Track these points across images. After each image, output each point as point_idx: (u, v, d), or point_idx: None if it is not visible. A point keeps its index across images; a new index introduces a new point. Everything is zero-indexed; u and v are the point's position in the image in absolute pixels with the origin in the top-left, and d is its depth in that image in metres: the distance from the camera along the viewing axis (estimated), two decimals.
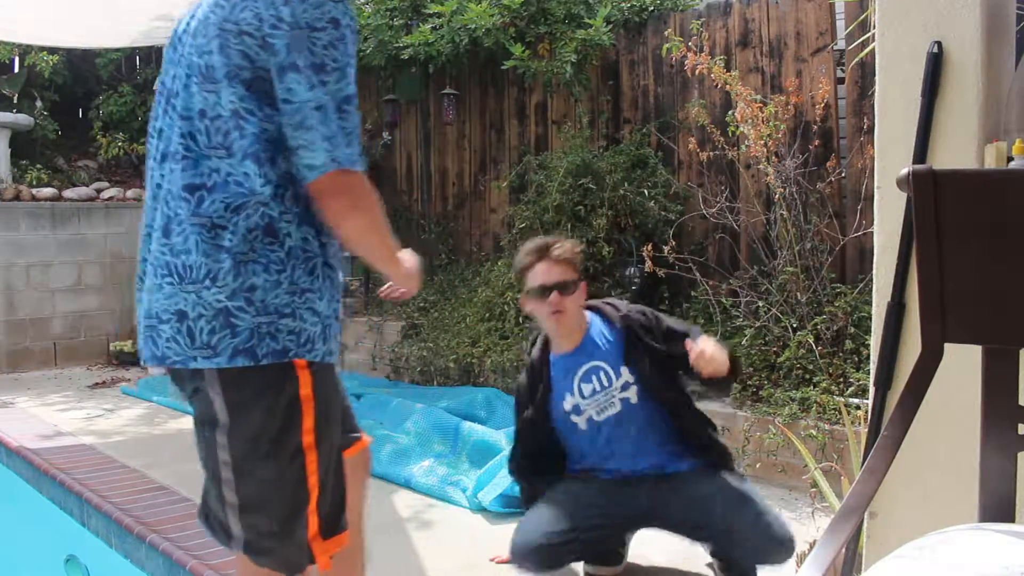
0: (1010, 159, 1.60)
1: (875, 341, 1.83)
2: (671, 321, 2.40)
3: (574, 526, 2.25)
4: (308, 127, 1.35)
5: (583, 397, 2.35)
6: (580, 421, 2.37)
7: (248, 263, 1.37)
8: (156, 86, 1.58)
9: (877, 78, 1.83)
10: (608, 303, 2.46)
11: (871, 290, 1.89)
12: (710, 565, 2.45)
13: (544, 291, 2.31)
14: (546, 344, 2.44)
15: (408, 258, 1.68)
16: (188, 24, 1.49)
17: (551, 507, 2.31)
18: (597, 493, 2.35)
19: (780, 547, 2.14)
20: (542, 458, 2.46)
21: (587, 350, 2.38)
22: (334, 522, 1.50)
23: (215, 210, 1.37)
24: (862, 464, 1.24)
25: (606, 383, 2.34)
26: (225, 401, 1.40)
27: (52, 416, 4.86)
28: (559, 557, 2.27)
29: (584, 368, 2.36)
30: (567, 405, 2.38)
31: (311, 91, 1.35)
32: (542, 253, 2.35)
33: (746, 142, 3.90)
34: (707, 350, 2.13)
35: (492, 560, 2.64)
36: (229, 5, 1.40)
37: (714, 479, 2.29)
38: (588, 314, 2.43)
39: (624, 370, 2.34)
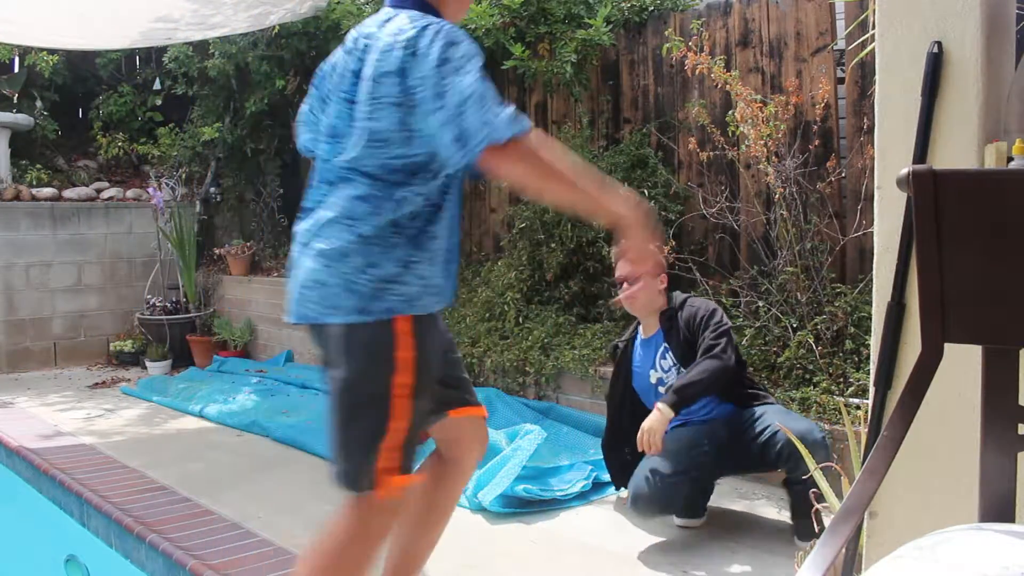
0: (1010, 159, 1.60)
1: (875, 341, 1.83)
2: (710, 332, 2.87)
3: (679, 466, 2.76)
4: None
5: (664, 371, 2.99)
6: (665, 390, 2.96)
7: (372, 246, 1.71)
8: None
9: (877, 78, 1.83)
10: (685, 300, 3.03)
11: (871, 290, 1.89)
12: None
13: (617, 283, 3.05)
14: (637, 328, 3.13)
15: (619, 198, 1.75)
16: None
17: (659, 457, 2.75)
18: (690, 434, 2.88)
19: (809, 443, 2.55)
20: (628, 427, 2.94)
21: (661, 336, 3.01)
22: (404, 465, 1.77)
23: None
24: (862, 464, 1.24)
25: (674, 362, 2.96)
26: (344, 351, 1.73)
27: (52, 416, 4.87)
28: (672, 496, 2.77)
29: (661, 349, 3.00)
30: (653, 378, 3.01)
31: None
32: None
33: (746, 142, 3.89)
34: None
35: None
36: None
37: (758, 408, 2.89)
38: (676, 306, 3.01)
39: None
